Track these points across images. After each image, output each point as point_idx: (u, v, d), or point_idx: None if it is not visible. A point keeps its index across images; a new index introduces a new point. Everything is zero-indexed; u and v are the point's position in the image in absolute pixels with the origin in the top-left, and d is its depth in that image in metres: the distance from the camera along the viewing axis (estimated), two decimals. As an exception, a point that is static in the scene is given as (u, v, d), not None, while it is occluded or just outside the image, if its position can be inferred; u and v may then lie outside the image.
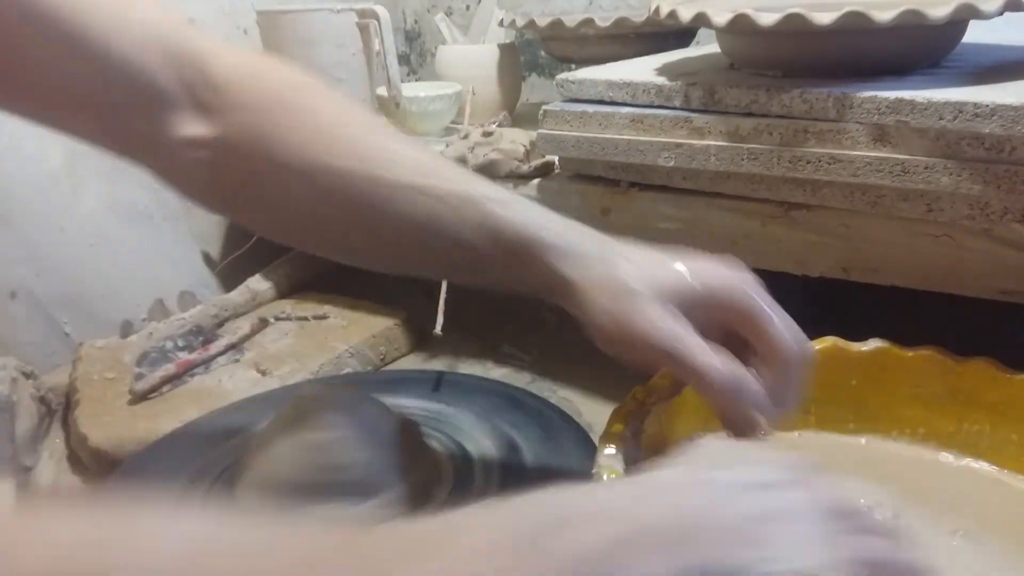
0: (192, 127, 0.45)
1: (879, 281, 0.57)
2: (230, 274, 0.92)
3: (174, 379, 0.73)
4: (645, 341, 0.42)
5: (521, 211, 0.45)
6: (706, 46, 0.77)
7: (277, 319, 0.85)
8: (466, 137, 0.75)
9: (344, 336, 0.79)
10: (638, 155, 0.60)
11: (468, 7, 1.15)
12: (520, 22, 0.87)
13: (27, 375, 0.70)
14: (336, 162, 0.44)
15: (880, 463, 0.51)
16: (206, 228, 0.97)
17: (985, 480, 0.49)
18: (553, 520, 0.27)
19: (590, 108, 0.62)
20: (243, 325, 0.82)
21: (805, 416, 0.54)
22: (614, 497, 0.29)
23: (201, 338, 0.80)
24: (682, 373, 0.41)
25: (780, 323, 0.42)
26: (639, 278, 0.43)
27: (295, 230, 0.49)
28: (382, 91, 0.89)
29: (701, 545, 0.26)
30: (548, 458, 0.57)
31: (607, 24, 0.81)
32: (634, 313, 0.42)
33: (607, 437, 0.45)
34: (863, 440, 0.53)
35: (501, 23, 0.95)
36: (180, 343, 0.79)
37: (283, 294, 0.90)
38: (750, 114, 0.55)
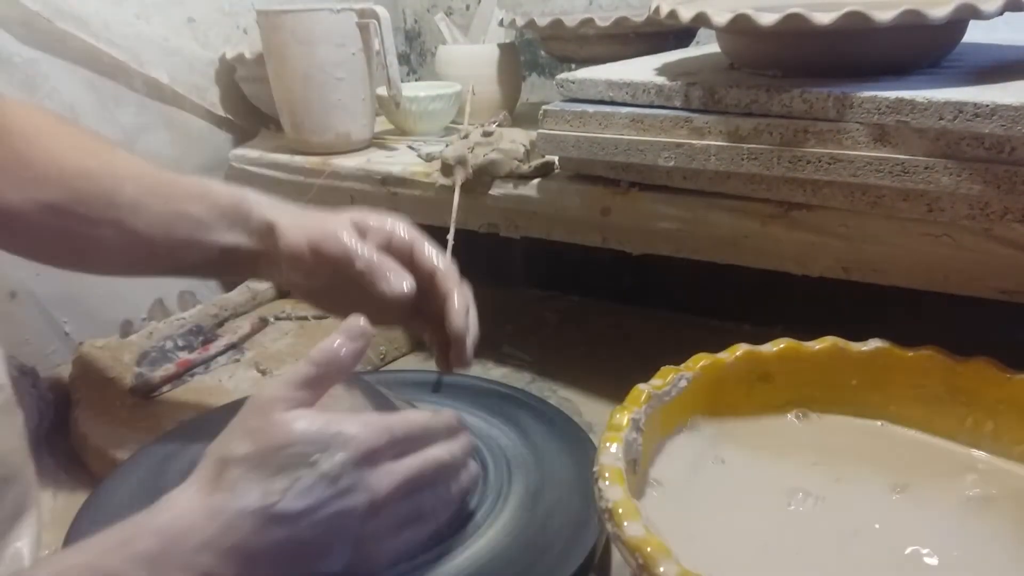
0: None
1: (879, 281, 0.57)
2: (230, 274, 0.91)
3: (174, 379, 0.73)
4: (333, 251, 0.51)
5: (233, 187, 0.55)
6: (706, 46, 0.77)
7: (277, 319, 0.85)
8: (466, 137, 0.75)
9: (344, 336, 0.79)
10: (638, 155, 0.60)
11: (468, 7, 1.15)
12: (520, 22, 0.87)
13: (27, 375, 0.70)
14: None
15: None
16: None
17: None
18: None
19: (590, 108, 0.62)
20: (243, 325, 0.82)
21: (806, 416, 0.55)
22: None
23: (201, 338, 0.80)
24: (359, 272, 0.50)
25: (429, 249, 0.53)
26: (326, 215, 0.54)
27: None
28: (382, 91, 0.89)
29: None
30: (548, 459, 0.57)
31: (607, 24, 0.81)
32: (325, 230, 0.52)
33: (607, 436, 0.45)
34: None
35: (501, 23, 0.95)
36: (180, 343, 0.79)
37: (283, 294, 0.90)
38: (750, 114, 0.55)
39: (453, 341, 0.53)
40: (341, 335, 0.44)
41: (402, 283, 0.50)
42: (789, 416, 0.54)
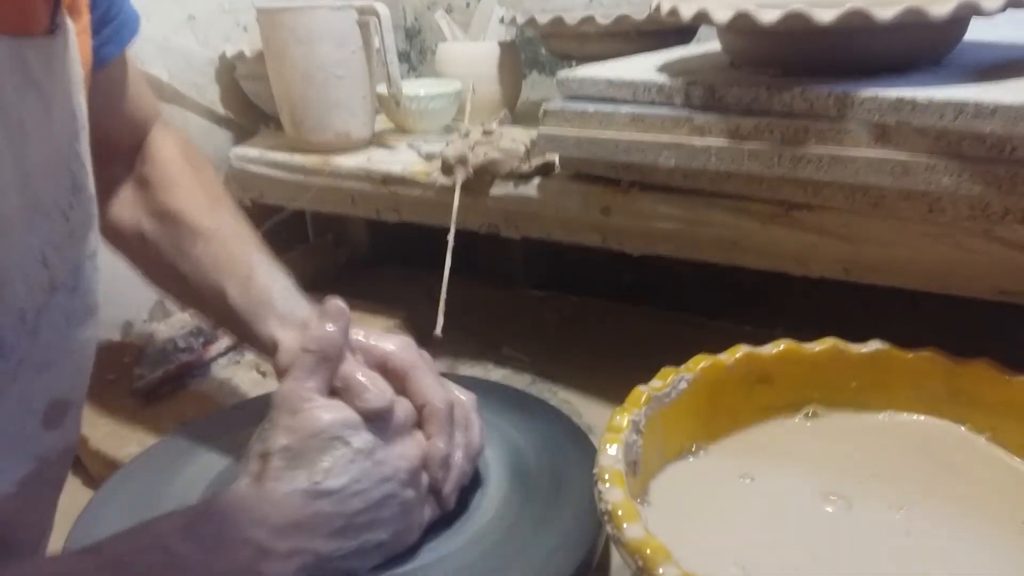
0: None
1: (880, 282, 0.56)
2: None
3: (174, 380, 0.73)
4: None
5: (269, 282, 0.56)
6: (707, 44, 0.77)
7: (277, 318, 0.85)
8: (467, 135, 0.75)
9: (344, 335, 0.79)
10: (639, 154, 0.60)
11: (468, 4, 1.14)
12: (520, 19, 0.87)
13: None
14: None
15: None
16: (206, 227, 0.97)
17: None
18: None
19: (591, 106, 0.62)
20: (243, 324, 0.81)
21: (806, 416, 0.54)
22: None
23: (201, 339, 0.80)
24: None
25: (431, 378, 0.52)
26: None
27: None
28: (382, 89, 0.89)
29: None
30: (548, 460, 0.57)
31: (608, 22, 0.81)
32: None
33: (607, 438, 0.45)
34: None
35: (501, 20, 0.95)
36: (180, 344, 0.79)
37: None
38: (751, 113, 0.55)
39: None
40: (325, 318, 0.48)
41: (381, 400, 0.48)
42: (797, 418, 0.54)
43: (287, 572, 0.43)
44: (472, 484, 0.54)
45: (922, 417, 0.52)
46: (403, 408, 0.49)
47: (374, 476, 0.45)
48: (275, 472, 0.44)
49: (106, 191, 0.60)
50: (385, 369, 0.51)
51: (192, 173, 0.62)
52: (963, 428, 0.51)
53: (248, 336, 0.56)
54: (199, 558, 0.40)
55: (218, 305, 0.56)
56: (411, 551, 0.48)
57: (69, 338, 0.43)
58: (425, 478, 0.49)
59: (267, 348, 0.54)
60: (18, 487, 0.40)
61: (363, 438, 0.45)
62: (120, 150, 0.62)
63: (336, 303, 0.49)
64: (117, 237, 0.61)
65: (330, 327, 0.47)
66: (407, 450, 0.47)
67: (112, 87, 0.58)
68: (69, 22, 0.43)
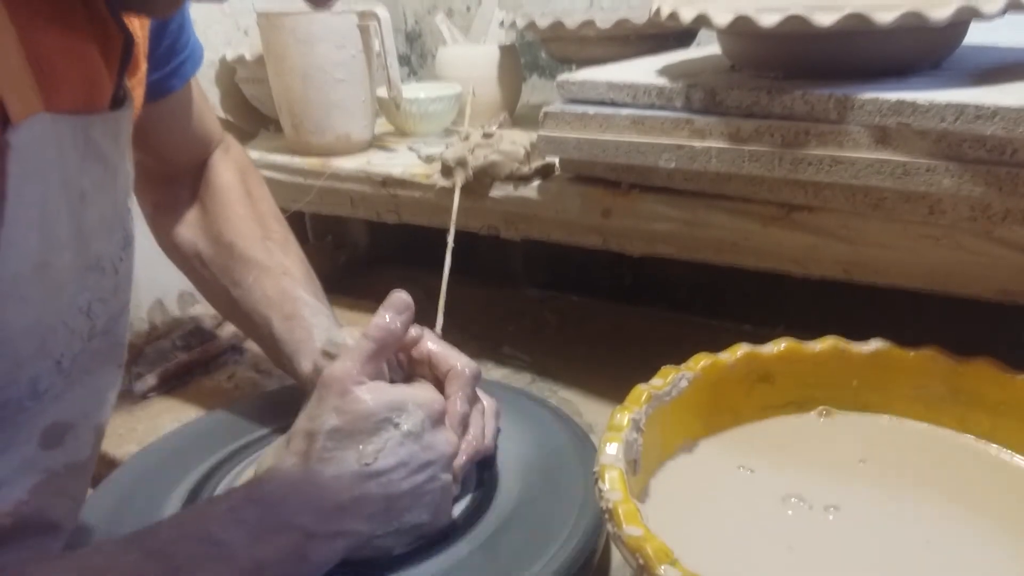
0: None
1: (881, 283, 0.57)
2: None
3: (174, 379, 0.73)
4: None
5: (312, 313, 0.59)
6: (707, 47, 0.77)
7: (277, 320, 0.85)
8: (467, 138, 0.75)
9: (344, 337, 0.79)
10: (639, 157, 0.60)
11: (469, 8, 1.15)
12: (520, 23, 0.87)
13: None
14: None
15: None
16: (206, 229, 0.97)
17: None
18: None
19: (591, 109, 0.62)
20: (243, 326, 0.81)
21: (807, 414, 0.55)
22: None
23: (200, 338, 0.80)
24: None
25: (456, 353, 0.54)
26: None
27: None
28: (382, 92, 0.89)
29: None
30: (548, 459, 0.57)
31: (608, 25, 0.81)
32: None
33: (608, 437, 0.45)
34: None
35: (501, 24, 0.95)
36: (179, 343, 0.79)
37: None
38: (751, 115, 0.55)
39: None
40: (390, 311, 0.49)
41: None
42: (800, 416, 0.54)
43: (331, 553, 0.43)
44: (472, 484, 0.54)
45: (926, 425, 0.52)
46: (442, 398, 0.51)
47: (421, 459, 0.46)
48: (323, 452, 0.44)
49: (169, 210, 0.65)
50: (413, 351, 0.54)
51: (247, 203, 0.65)
52: (967, 437, 0.51)
53: (289, 368, 0.58)
54: (244, 544, 0.41)
55: (265, 334, 0.59)
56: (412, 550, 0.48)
57: (93, 374, 0.43)
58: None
59: (303, 381, 0.56)
60: (30, 494, 0.40)
61: (412, 421, 0.46)
62: (182, 171, 0.65)
63: (402, 296, 0.50)
64: (177, 255, 0.64)
65: (393, 319, 0.49)
66: (450, 435, 0.49)
67: (175, 113, 0.61)
68: (129, 87, 0.44)
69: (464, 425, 0.52)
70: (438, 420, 0.48)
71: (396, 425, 0.46)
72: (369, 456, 0.44)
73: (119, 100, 0.42)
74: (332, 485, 0.44)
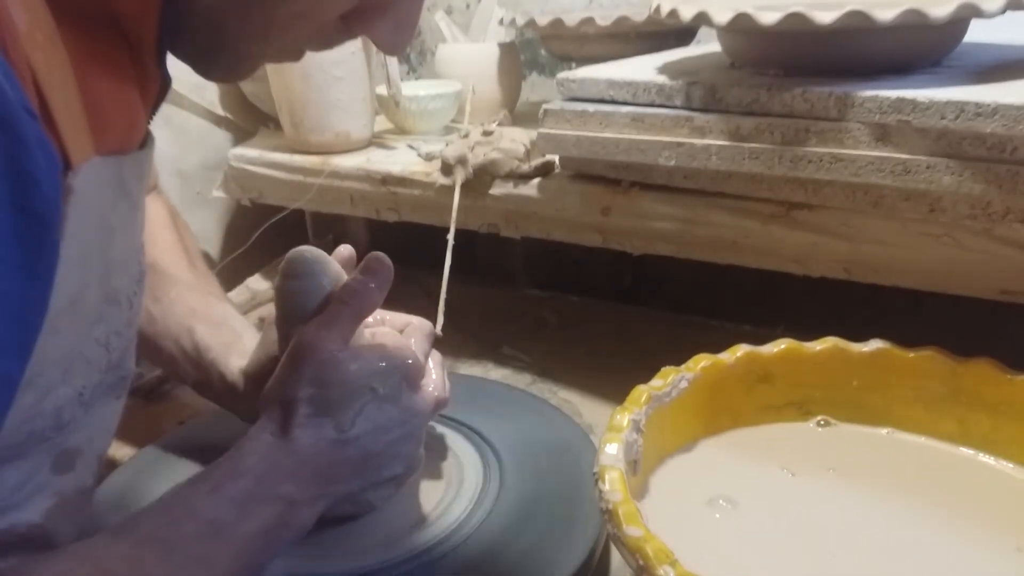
0: None
1: (880, 281, 0.56)
2: (230, 274, 0.91)
3: (172, 380, 0.73)
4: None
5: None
6: (707, 45, 0.77)
7: (277, 319, 0.85)
8: (466, 136, 0.75)
9: (344, 336, 0.79)
10: (639, 154, 0.60)
11: (468, 6, 1.15)
12: (520, 21, 0.87)
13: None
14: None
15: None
16: (205, 227, 0.97)
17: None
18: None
19: (591, 107, 0.62)
20: (242, 325, 0.81)
21: (806, 418, 0.54)
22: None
23: (200, 338, 0.80)
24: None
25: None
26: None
27: None
28: (382, 90, 0.89)
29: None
30: (548, 459, 0.57)
31: (608, 23, 0.81)
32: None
33: (608, 437, 0.45)
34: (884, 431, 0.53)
35: (501, 22, 0.95)
36: (179, 343, 0.78)
37: (283, 294, 0.90)
38: (751, 113, 0.55)
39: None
40: (366, 273, 0.47)
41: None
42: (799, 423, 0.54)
43: (313, 515, 0.44)
44: (473, 483, 0.54)
45: (924, 438, 0.52)
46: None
47: (397, 420, 0.47)
48: (300, 420, 0.44)
49: None
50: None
51: (175, 235, 0.64)
52: (965, 449, 0.51)
53: (209, 374, 0.56)
54: (233, 519, 0.41)
55: (182, 347, 0.57)
56: (411, 550, 0.48)
57: (102, 406, 0.43)
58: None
59: (229, 381, 0.55)
60: (43, 517, 0.41)
61: (390, 384, 0.46)
62: None
63: (380, 257, 0.48)
64: None
65: (370, 284, 0.47)
66: (425, 394, 0.49)
67: None
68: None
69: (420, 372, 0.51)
70: (414, 380, 0.48)
71: (373, 390, 0.45)
72: (347, 423, 0.44)
73: (146, 139, 0.43)
74: (311, 453, 0.44)
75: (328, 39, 0.42)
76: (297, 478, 0.43)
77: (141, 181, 0.42)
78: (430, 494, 0.54)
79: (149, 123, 0.43)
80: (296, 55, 0.43)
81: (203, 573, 0.40)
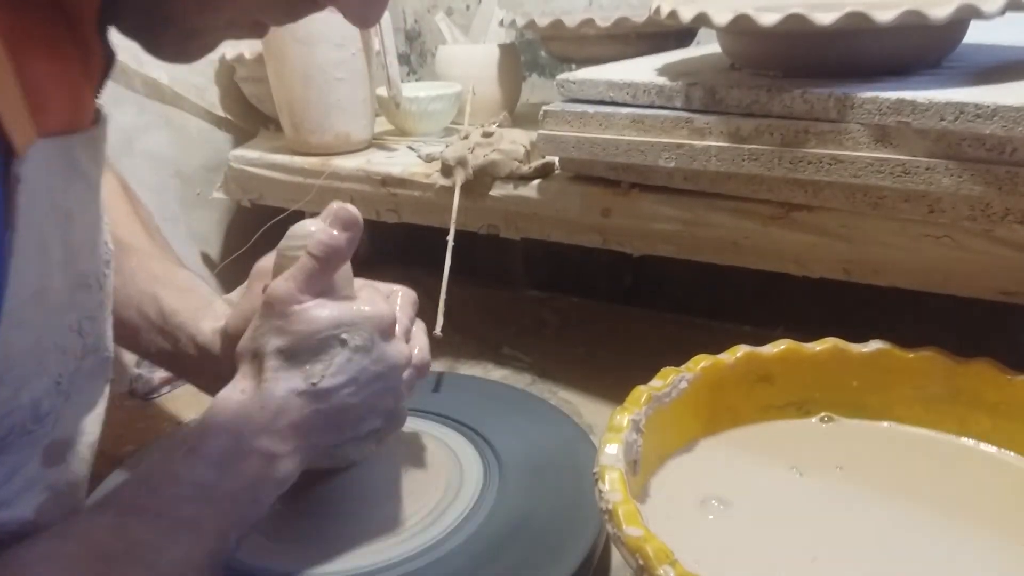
0: None
1: (880, 282, 0.56)
2: (230, 274, 0.91)
3: (173, 380, 0.73)
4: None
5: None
6: (707, 46, 0.77)
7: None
8: (466, 137, 0.75)
9: (344, 337, 0.79)
10: (639, 156, 0.60)
11: (468, 7, 1.15)
12: (520, 22, 0.87)
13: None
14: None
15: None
16: (205, 229, 0.97)
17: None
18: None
19: (591, 108, 0.62)
20: (243, 325, 0.81)
21: (807, 416, 0.54)
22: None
23: (201, 338, 0.80)
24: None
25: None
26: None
27: None
28: (382, 91, 0.89)
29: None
30: (548, 459, 0.57)
31: (608, 24, 0.81)
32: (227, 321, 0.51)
33: (608, 438, 0.45)
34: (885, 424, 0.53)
35: (501, 23, 0.95)
36: (180, 343, 0.78)
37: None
38: (751, 114, 0.55)
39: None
40: (336, 226, 0.46)
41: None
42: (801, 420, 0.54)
43: (293, 468, 0.44)
44: (473, 484, 0.54)
45: (926, 431, 0.52)
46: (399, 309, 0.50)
47: (371, 372, 0.45)
48: (270, 373, 0.44)
49: None
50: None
51: (128, 206, 0.61)
52: (966, 440, 0.51)
53: (174, 336, 0.54)
54: (214, 478, 0.41)
55: (146, 312, 0.54)
56: (414, 549, 0.48)
57: (86, 392, 0.43)
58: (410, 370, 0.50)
59: (201, 344, 0.53)
60: (36, 513, 0.40)
61: (361, 336, 0.45)
62: None
63: (347, 208, 0.46)
64: None
65: (339, 235, 0.46)
66: (401, 345, 0.48)
67: None
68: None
69: (408, 339, 0.51)
70: (387, 332, 0.47)
71: (343, 342, 0.44)
72: (316, 375, 0.44)
73: (97, 116, 0.42)
74: (283, 406, 0.43)
75: (289, 10, 0.41)
76: (271, 431, 0.43)
77: (97, 160, 0.41)
78: (430, 494, 0.54)
79: (97, 97, 0.42)
80: (255, 30, 0.42)
81: (193, 535, 0.40)
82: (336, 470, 0.50)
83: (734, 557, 0.44)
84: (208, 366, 0.53)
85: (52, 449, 0.41)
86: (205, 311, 0.54)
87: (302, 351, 0.44)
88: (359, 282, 0.50)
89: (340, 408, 0.45)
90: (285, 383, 0.44)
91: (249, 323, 0.47)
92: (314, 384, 0.44)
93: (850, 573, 0.43)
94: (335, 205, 0.46)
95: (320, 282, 0.45)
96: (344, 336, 0.44)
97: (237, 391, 0.44)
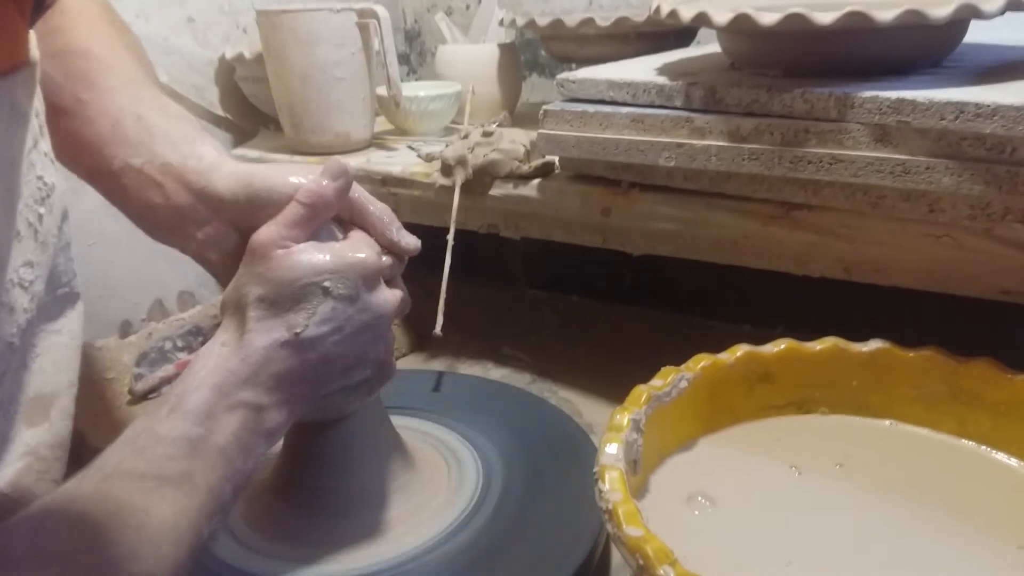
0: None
1: (880, 282, 0.56)
2: (230, 274, 0.91)
3: (173, 379, 0.73)
4: (271, 187, 0.46)
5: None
6: (707, 46, 0.77)
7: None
8: (466, 137, 0.75)
9: (344, 336, 0.79)
10: (639, 155, 0.60)
11: (468, 6, 1.15)
12: (520, 21, 0.87)
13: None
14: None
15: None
16: (206, 228, 0.97)
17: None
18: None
19: (590, 108, 0.62)
20: (243, 325, 0.81)
21: (807, 416, 0.54)
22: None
23: (200, 338, 0.80)
24: (308, 202, 0.45)
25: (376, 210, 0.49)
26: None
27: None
28: (382, 91, 0.89)
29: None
30: (548, 459, 0.57)
31: (607, 24, 0.81)
32: (258, 172, 0.47)
33: (608, 437, 0.45)
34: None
35: (501, 23, 0.95)
36: (179, 343, 0.79)
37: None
38: (751, 114, 0.55)
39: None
40: (325, 175, 0.45)
41: (415, 241, 0.50)
42: (799, 417, 0.54)
43: (282, 419, 0.43)
44: (473, 484, 0.54)
45: (926, 430, 0.52)
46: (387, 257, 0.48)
47: (357, 321, 0.44)
48: (252, 323, 0.42)
49: None
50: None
51: (112, 30, 0.53)
52: (965, 441, 0.51)
53: (156, 154, 0.47)
54: (199, 434, 0.40)
55: (125, 128, 0.47)
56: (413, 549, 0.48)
57: (49, 333, 0.41)
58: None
59: (188, 162, 0.47)
60: (11, 487, 0.39)
61: (346, 284, 0.44)
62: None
63: (338, 161, 0.46)
64: None
65: (328, 184, 0.45)
66: (388, 293, 0.47)
67: None
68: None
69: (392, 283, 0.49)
70: (373, 280, 0.45)
71: (326, 290, 0.43)
72: (299, 324, 0.43)
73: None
74: (265, 357, 0.42)
75: None
76: (255, 383, 0.42)
77: (32, 94, 0.39)
78: (430, 494, 0.54)
79: (31, 29, 0.39)
80: None
81: (183, 492, 0.38)
82: (330, 422, 0.49)
83: (736, 556, 0.44)
84: (191, 192, 0.47)
85: (35, 406, 0.39)
86: (197, 137, 0.48)
87: (283, 299, 0.42)
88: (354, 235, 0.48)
89: (326, 358, 0.44)
90: (268, 334, 0.42)
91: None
92: (297, 334, 0.42)
93: (833, 573, 0.43)
94: (330, 160, 0.46)
95: (306, 229, 0.44)
96: (327, 284, 0.43)
97: (218, 344, 0.43)
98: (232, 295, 0.44)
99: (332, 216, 0.46)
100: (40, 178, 0.40)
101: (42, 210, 0.40)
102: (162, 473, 0.38)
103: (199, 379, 0.41)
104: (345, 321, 0.44)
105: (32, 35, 0.40)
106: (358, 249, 0.45)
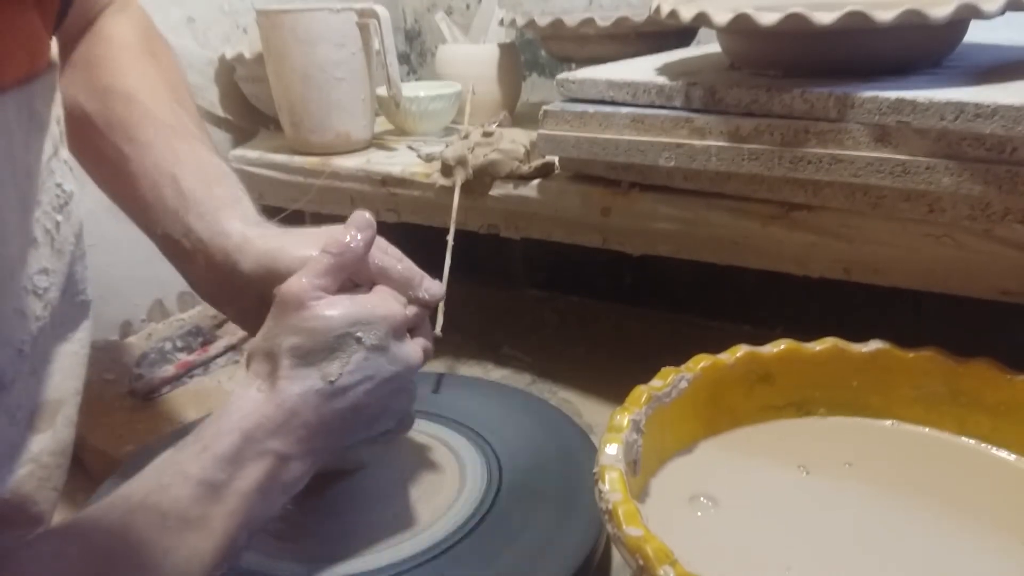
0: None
1: (880, 282, 0.56)
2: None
3: (173, 380, 0.73)
4: (296, 270, 0.46)
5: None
6: (707, 46, 0.77)
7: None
8: (466, 137, 0.75)
9: (344, 336, 0.79)
10: (639, 155, 0.60)
11: (468, 6, 1.15)
12: (520, 21, 0.87)
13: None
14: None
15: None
16: (206, 228, 0.97)
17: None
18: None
19: (590, 108, 0.62)
20: (243, 325, 0.81)
21: (808, 417, 0.54)
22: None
23: (200, 339, 0.80)
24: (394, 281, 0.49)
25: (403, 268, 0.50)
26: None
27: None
28: (382, 91, 0.89)
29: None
30: (548, 459, 0.57)
31: (607, 24, 0.81)
32: (283, 255, 0.48)
33: (608, 438, 0.45)
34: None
35: (501, 22, 0.95)
36: (179, 344, 0.79)
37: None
38: (751, 114, 0.55)
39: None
40: (351, 227, 0.46)
41: (439, 290, 0.52)
42: (799, 419, 0.54)
43: (305, 470, 0.44)
44: (473, 484, 0.54)
45: (926, 429, 0.52)
46: (412, 308, 0.49)
47: (387, 372, 0.45)
48: (285, 372, 0.43)
49: None
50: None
51: (151, 61, 0.55)
52: (966, 440, 0.51)
53: (190, 227, 0.49)
54: (223, 479, 0.40)
55: (162, 192, 0.49)
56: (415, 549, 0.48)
57: (60, 340, 0.42)
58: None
59: (221, 241, 0.49)
60: (11, 493, 0.39)
61: (376, 334, 0.45)
62: (64, 36, 0.51)
63: (364, 214, 0.47)
64: None
65: (353, 236, 0.46)
66: (414, 346, 0.48)
67: None
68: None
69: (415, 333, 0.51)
70: (400, 331, 0.47)
71: (359, 340, 0.44)
72: (333, 374, 0.43)
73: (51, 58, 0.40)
74: (299, 405, 0.43)
75: None
76: (286, 432, 0.42)
77: (51, 101, 0.40)
78: (430, 495, 0.54)
79: (51, 37, 0.40)
80: None
81: (201, 535, 0.39)
82: (345, 472, 0.50)
83: (736, 556, 0.44)
84: (220, 271, 0.49)
85: (42, 412, 0.39)
86: (232, 209, 0.50)
87: (318, 348, 0.43)
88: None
89: (356, 407, 0.45)
90: (302, 381, 0.43)
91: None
92: (332, 382, 0.43)
93: (838, 573, 0.43)
94: (356, 212, 0.47)
95: (335, 279, 0.45)
96: (359, 334, 0.44)
97: (253, 389, 0.43)
98: (262, 345, 0.44)
99: (356, 270, 0.47)
100: (59, 185, 0.41)
101: (59, 217, 0.41)
102: (186, 515, 0.39)
103: (233, 423, 0.42)
104: (376, 371, 0.45)
105: (54, 41, 0.41)
106: (386, 301, 0.47)
